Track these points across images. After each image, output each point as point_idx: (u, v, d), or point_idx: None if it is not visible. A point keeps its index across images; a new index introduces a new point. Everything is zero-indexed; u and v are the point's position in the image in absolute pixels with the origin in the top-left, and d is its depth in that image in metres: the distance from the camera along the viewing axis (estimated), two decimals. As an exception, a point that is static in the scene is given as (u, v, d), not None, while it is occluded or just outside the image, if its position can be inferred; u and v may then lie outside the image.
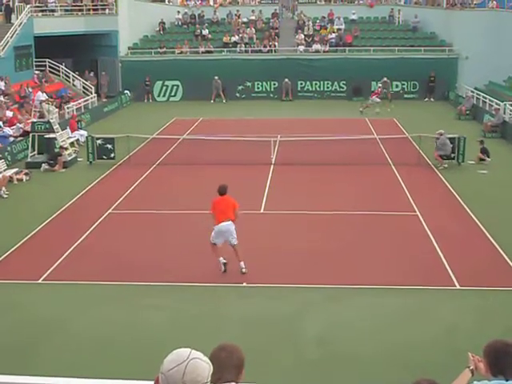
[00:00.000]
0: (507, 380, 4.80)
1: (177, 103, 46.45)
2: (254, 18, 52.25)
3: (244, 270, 15.53)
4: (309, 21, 51.34)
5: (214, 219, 15.53)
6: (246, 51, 48.80)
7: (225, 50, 49.00)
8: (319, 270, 15.95)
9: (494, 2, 47.26)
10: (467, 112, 38.76)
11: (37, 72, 42.89)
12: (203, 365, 3.40)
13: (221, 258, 15.62)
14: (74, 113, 36.38)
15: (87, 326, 13.17)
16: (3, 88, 36.17)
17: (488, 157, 27.04)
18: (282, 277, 15.47)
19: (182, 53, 48.61)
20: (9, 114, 32.27)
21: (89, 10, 48.18)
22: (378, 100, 40.78)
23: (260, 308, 14.02)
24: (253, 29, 50.49)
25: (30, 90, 37.78)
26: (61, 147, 27.64)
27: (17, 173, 25.17)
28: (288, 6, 56.90)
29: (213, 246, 15.62)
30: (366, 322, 13.26)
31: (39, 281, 15.45)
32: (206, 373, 3.40)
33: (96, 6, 48.74)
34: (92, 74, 46.32)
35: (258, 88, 47.70)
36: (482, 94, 39.48)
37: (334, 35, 49.74)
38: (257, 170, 26.04)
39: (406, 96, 46.50)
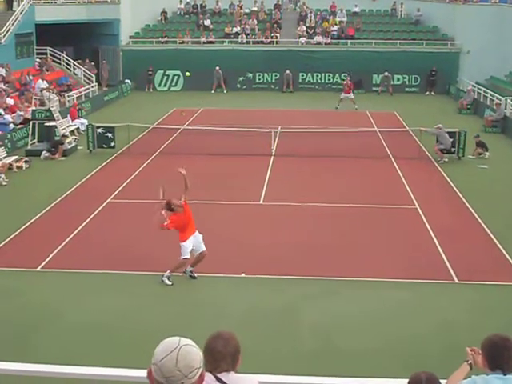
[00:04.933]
0: (505, 374, 4.80)
1: (177, 93, 46.38)
2: (256, 8, 52.13)
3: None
4: (311, 12, 51.21)
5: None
6: (248, 42, 48.70)
7: (226, 40, 48.92)
8: (318, 262, 15.95)
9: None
10: (468, 106, 38.76)
11: (38, 60, 42.83)
12: (194, 350, 3.39)
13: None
14: (75, 101, 36.33)
15: (85, 314, 13.17)
16: (4, 75, 36.10)
17: (487, 150, 27.03)
18: (280, 268, 15.45)
19: (183, 43, 48.51)
20: (9, 101, 32.21)
21: (91, -2, 48.11)
22: (352, 96, 39.97)
23: (258, 299, 14.02)
24: (255, 20, 50.37)
25: (31, 77, 37.71)
26: (62, 135, 27.64)
27: (16, 160, 25.13)
28: (290, -3, 56.82)
29: None
30: (364, 314, 13.27)
31: (38, 269, 15.46)
32: (198, 358, 3.38)
33: (98, -6, 48.67)
34: (92, 63, 46.16)
35: (259, 79, 47.65)
36: (484, 88, 39.45)
37: (335, 27, 49.68)
38: (257, 161, 26.02)
39: (407, 89, 46.53)
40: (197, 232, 14.80)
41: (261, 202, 21.02)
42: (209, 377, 3.91)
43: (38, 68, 41.33)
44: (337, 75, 46.79)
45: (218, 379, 4.02)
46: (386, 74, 45.12)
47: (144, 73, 46.95)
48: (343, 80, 45.73)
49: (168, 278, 14.70)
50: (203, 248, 14.74)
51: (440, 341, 12.03)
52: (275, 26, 50.09)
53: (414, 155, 26.57)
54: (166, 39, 48.66)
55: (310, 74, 47.28)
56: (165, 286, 14.57)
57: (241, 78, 47.47)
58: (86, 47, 47.79)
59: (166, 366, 3.30)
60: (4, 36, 38.72)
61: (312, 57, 47.32)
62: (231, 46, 48.20)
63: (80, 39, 47.31)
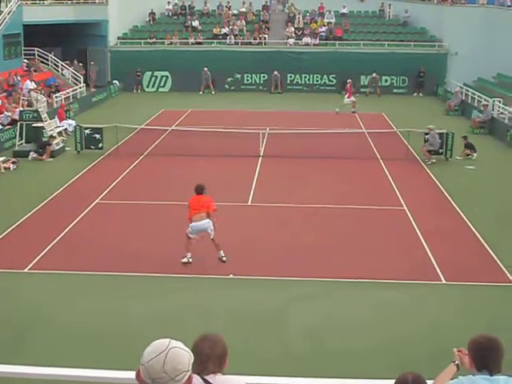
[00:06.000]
0: (491, 375, 4.82)
1: (166, 94, 46.35)
2: (244, 10, 52.17)
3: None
4: (299, 14, 51.31)
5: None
6: (236, 43, 48.73)
7: (215, 41, 48.93)
8: (306, 263, 15.96)
9: (485, -1, 47.43)
10: (456, 108, 38.90)
11: (25, 60, 42.67)
12: (183, 353, 3.39)
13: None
14: (63, 102, 36.23)
15: (73, 316, 13.14)
16: (-9, 76, 36.01)
17: (474, 151, 27.14)
18: (269, 269, 15.47)
19: (171, 44, 48.50)
20: (-4, 102, 32.13)
21: (79, -2, 47.98)
22: (353, 99, 39.71)
23: (246, 301, 14.02)
24: (243, 21, 50.42)
25: (19, 78, 37.58)
26: (50, 136, 27.56)
27: (4, 161, 25.05)
28: (279, -2, 56.87)
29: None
30: (353, 316, 13.30)
31: (25, 270, 15.41)
32: (187, 361, 3.39)
33: (86, -5, 48.55)
34: (80, 64, 46.05)
35: (248, 80, 47.68)
36: (471, 90, 39.60)
37: (324, 28, 49.76)
38: (245, 162, 26.03)
39: (395, 91, 46.68)
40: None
41: (249, 202, 21.03)
42: (196, 379, 3.92)
43: (25, 69, 41.18)
44: (325, 76, 46.90)
45: (205, 381, 4.03)
46: (374, 75, 45.25)
47: (132, 74, 46.91)
48: (331, 81, 46.15)
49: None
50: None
51: (428, 341, 12.06)
52: (263, 27, 50.13)
53: (402, 156, 26.63)
54: (154, 40, 48.64)
55: (298, 75, 47.34)
56: (152, 288, 14.57)
57: (229, 79, 47.47)
58: (73, 48, 47.66)
59: (153, 367, 3.30)
60: (-9, 37, 38.60)
61: (300, 58, 47.40)
62: (219, 47, 48.24)
63: (68, 40, 47.19)
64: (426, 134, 26.89)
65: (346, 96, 39.21)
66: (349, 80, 40.80)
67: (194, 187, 15.91)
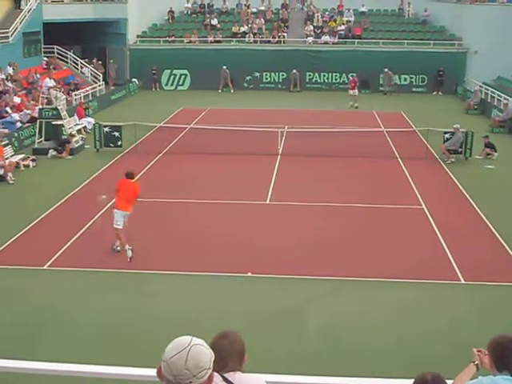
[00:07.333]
0: (512, 375, 4.80)
1: (184, 92, 46.44)
2: (263, 8, 52.16)
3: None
4: (318, 12, 51.21)
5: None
6: (255, 41, 48.72)
7: (234, 40, 48.94)
8: (324, 261, 15.96)
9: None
10: (475, 106, 38.70)
11: (45, 58, 42.90)
12: (205, 351, 3.40)
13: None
14: (82, 100, 36.39)
15: (92, 313, 13.20)
16: (11, 74, 36.18)
17: (495, 151, 26.98)
18: (286, 268, 15.46)
19: (190, 42, 48.56)
20: (16, 99, 32.27)
21: (98, -3, 48.17)
22: (356, 92, 40.27)
23: (264, 298, 14.02)
24: (262, 19, 50.40)
25: (38, 76, 37.77)
26: (70, 134, 27.70)
27: (23, 159, 25.21)
28: (298, -4, 56.81)
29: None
30: (370, 314, 13.27)
31: (44, 267, 15.49)
32: (208, 358, 3.39)
33: (105, -7, 48.74)
34: (100, 62, 46.25)
35: (267, 79, 47.66)
36: (491, 88, 39.39)
37: (343, 27, 49.67)
38: (263, 160, 26.02)
39: (414, 89, 46.49)
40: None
41: (267, 201, 21.02)
42: (216, 377, 3.92)
43: (45, 67, 41.42)
44: (344, 75, 46.77)
45: (225, 379, 4.03)
46: (386, 70, 44.89)
47: (151, 72, 47.03)
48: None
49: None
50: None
51: (446, 341, 12.02)
52: (282, 25, 50.09)
53: (421, 155, 26.53)
54: (173, 38, 48.70)
55: (317, 74, 47.29)
56: (170, 286, 14.61)
57: (248, 78, 47.49)
58: (93, 46, 47.89)
59: (175, 364, 3.31)
60: (12, 35, 38.76)
61: (319, 56, 47.30)
62: (238, 46, 48.22)
63: (87, 38, 47.40)
64: (452, 133, 26.72)
65: (351, 88, 40.19)
66: (354, 74, 41.40)
67: (126, 172, 16.68)
